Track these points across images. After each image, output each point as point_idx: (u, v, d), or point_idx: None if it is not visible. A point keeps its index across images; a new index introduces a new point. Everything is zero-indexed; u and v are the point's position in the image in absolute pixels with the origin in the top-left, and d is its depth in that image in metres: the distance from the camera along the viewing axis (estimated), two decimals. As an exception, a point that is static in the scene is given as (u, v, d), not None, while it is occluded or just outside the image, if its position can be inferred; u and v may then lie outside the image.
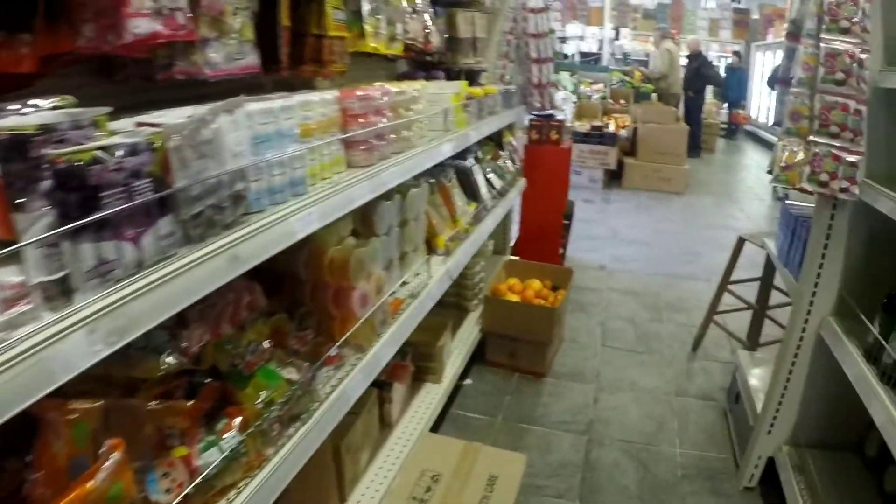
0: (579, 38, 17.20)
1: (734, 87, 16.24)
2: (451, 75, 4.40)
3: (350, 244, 2.49)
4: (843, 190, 2.67)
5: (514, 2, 4.69)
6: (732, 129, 17.15)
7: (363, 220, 2.63)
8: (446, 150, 2.99)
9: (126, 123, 1.46)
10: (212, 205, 1.51)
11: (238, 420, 1.78)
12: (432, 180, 3.47)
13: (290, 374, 2.02)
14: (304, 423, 1.98)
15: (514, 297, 4.43)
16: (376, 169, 2.26)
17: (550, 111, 5.11)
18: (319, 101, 2.02)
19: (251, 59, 2.03)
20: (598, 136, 9.96)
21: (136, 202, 1.22)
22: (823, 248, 2.87)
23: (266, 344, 2.00)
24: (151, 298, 1.25)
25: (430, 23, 3.39)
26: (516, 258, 5.40)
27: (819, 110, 2.69)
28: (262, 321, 2.07)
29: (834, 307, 2.93)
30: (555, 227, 5.67)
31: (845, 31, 2.63)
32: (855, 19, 2.64)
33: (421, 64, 4.31)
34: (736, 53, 16.84)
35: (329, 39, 2.34)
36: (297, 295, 2.47)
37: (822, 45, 2.66)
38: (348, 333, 2.35)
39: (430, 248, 3.37)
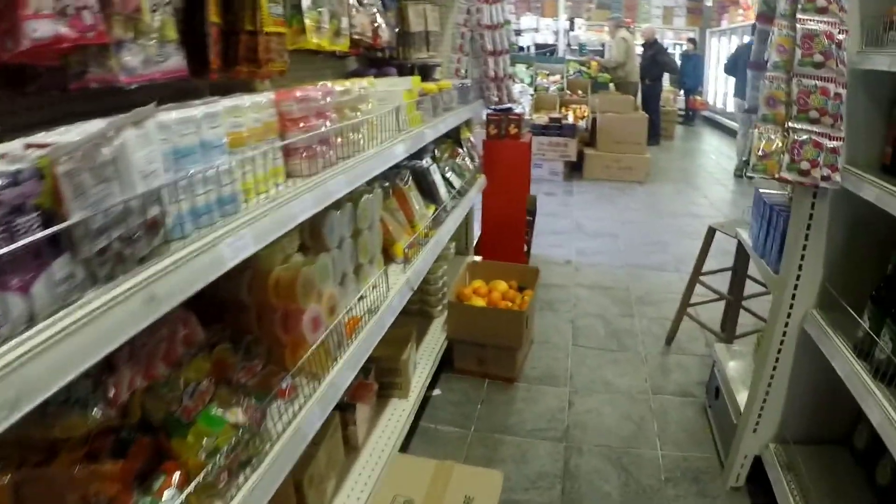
0: (534, 30, 17.06)
1: (690, 74, 16.27)
2: (404, 71, 4.17)
3: (298, 262, 2.25)
4: (824, 178, 2.52)
5: None
6: (690, 116, 17.21)
7: (312, 234, 2.40)
8: (400, 151, 2.76)
9: (15, 146, 1.22)
10: (120, 237, 1.27)
11: (177, 475, 1.57)
12: (386, 184, 3.25)
13: (236, 416, 1.79)
14: (257, 467, 1.76)
15: (480, 301, 4.22)
16: (321, 178, 2.02)
17: (509, 105, 4.89)
18: (252, 106, 1.78)
19: (175, 62, 1.79)
20: (556, 128, 9.81)
21: (20, 243, 1.02)
22: (804, 238, 2.71)
23: (206, 383, 1.78)
24: (49, 358, 1.02)
25: (378, 16, 3.15)
26: (479, 259, 5.19)
27: (797, 95, 2.53)
28: (201, 356, 1.86)
29: (817, 300, 2.78)
30: (518, 223, 5.47)
31: (822, 11, 2.47)
32: (833, -4, 2.49)
33: (372, 61, 4.08)
34: (691, 41, 16.85)
35: (265, 36, 2.09)
36: (242, 321, 2.23)
37: (798, 25, 2.50)
38: (301, 362, 2.12)
39: (388, 257, 3.15)
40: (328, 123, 2.10)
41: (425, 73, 4.48)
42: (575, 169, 10.34)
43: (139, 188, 1.31)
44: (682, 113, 16.78)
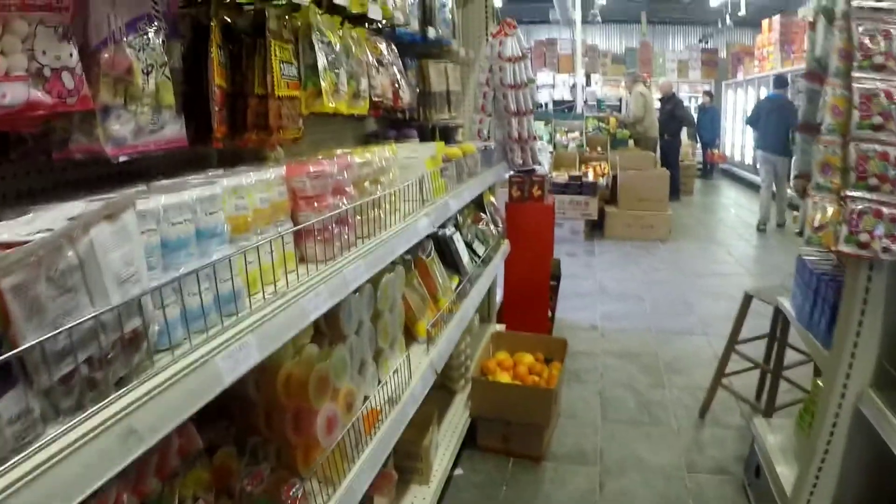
0: (550, 85, 17.01)
1: (707, 127, 16.09)
2: (425, 133, 3.96)
3: (311, 354, 1.98)
4: (885, 250, 2.26)
5: (490, 51, 4.25)
6: (708, 169, 16.98)
7: (328, 319, 2.13)
8: (424, 226, 2.50)
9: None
10: (90, 359, 1.03)
11: None
12: (408, 257, 2.98)
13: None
14: None
15: (505, 376, 3.92)
16: (338, 264, 1.77)
17: (532, 166, 4.66)
18: (257, 184, 1.54)
19: (173, 131, 1.57)
20: (577, 186, 9.57)
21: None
22: (860, 314, 2.43)
23: (205, 498, 1.56)
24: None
25: (399, 77, 2.94)
26: (503, 329, 4.90)
27: (855, 160, 2.28)
28: (200, 465, 1.60)
29: (873, 378, 2.50)
30: (542, 289, 5.18)
31: (880, 68, 2.26)
32: (892, 53, 2.26)
33: (392, 121, 3.87)
34: (707, 93, 16.74)
35: (276, 101, 1.86)
36: (249, 419, 1.96)
37: (853, 85, 2.26)
38: (313, 467, 1.83)
39: (410, 336, 2.88)
40: (345, 201, 1.85)
41: (447, 134, 4.27)
42: (596, 227, 10.07)
43: (114, 297, 1.06)
44: (701, 167, 16.55)
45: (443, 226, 3.56)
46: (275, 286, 1.54)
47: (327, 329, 2.16)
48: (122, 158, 1.39)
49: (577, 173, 10.05)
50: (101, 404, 1.00)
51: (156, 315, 1.20)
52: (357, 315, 2.21)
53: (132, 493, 1.35)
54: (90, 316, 1.01)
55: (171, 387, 1.14)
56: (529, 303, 5.08)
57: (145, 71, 1.43)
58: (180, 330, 1.26)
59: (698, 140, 16.33)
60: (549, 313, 5.39)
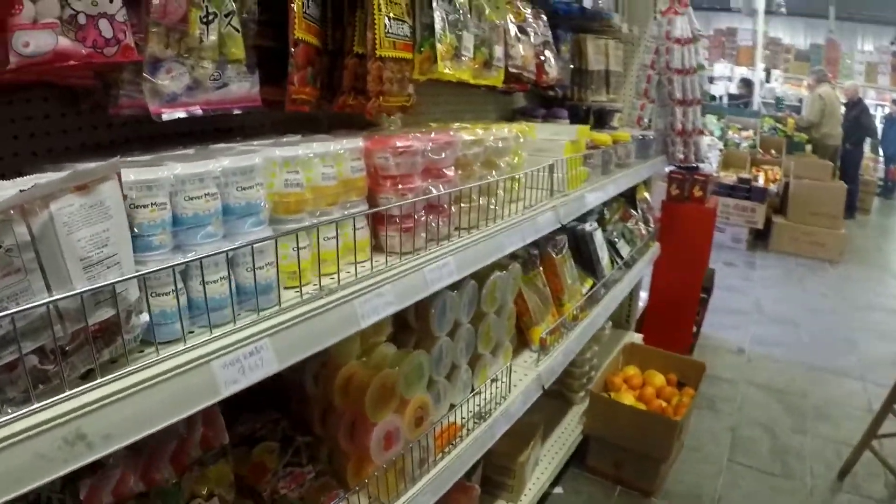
0: (727, 78, 15.57)
1: (892, 140, 14.07)
2: (578, 115, 3.56)
3: (383, 355, 1.73)
4: None
5: (657, 30, 3.73)
6: (889, 188, 14.88)
7: (418, 313, 1.87)
8: (547, 221, 2.15)
9: None
10: (41, 349, 0.85)
11: None
12: (535, 251, 2.65)
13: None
14: None
15: (629, 396, 3.50)
16: (418, 260, 1.47)
17: (695, 163, 4.10)
18: (320, 157, 1.27)
19: (241, 88, 1.34)
20: (745, 190, 8.66)
21: None
22: None
23: (220, 497, 1.38)
24: None
25: (546, 50, 2.58)
26: (639, 339, 4.43)
27: None
28: (224, 460, 1.43)
29: None
30: (690, 301, 4.64)
31: None
32: None
33: (544, 100, 3.51)
34: (896, 102, 14.65)
35: (376, 62, 1.59)
36: (303, 413, 1.75)
37: None
38: (363, 480, 1.59)
39: (522, 342, 2.56)
40: (442, 185, 1.56)
41: (602, 118, 3.84)
42: (760, 237, 9.10)
43: (78, 282, 0.83)
44: (881, 183, 14.55)
45: (582, 219, 3.18)
46: (338, 279, 1.27)
47: (416, 325, 1.90)
48: (165, 117, 1.18)
49: (746, 176, 9.09)
50: (48, 401, 0.85)
51: (153, 304, 0.98)
52: (453, 315, 1.92)
53: (140, 477, 1.25)
54: (33, 305, 0.80)
55: (145, 390, 0.92)
56: (674, 314, 4.57)
57: (204, 20, 1.22)
58: (183, 324, 1.03)
59: (881, 153, 14.33)
60: (694, 328, 4.83)
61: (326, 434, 1.72)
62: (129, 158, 1.12)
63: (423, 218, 1.51)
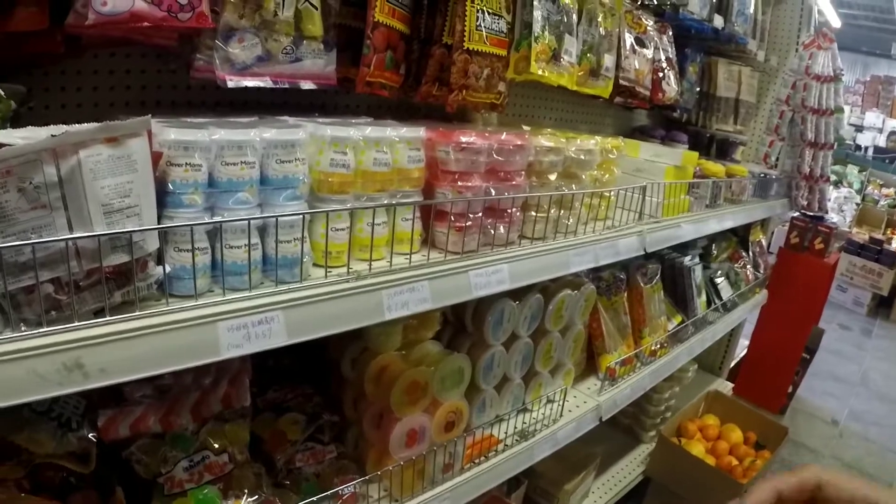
0: (877, 129, 14.41)
1: None
2: (700, 142, 3.42)
3: (423, 352, 1.73)
4: None
5: (797, 63, 3.49)
6: None
7: (475, 317, 1.86)
8: (628, 245, 2.07)
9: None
10: (57, 280, 0.92)
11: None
12: (622, 276, 2.57)
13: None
14: None
15: (701, 446, 3.34)
16: (466, 263, 1.47)
17: (820, 213, 3.81)
18: (372, 141, 1.29)
19: (315, 65, 1.38)
20: (875, 251, 8.00)
21: None
22: None
23: (226, 457, 1.42)
24: None
25: (666, 66, 2.49)
26: (728, 388, 4.21)
27: None
28: (243, 421, 1.50)
29: None
30: (791, 358, 4.35)
31: None
32: None
33: (668, 121, 3.40)
34: None
35: (463, 54, 1.59)
36: (338, 394, 1.79)
37: None
38: (381, 471, 1.61)
39: (591, 366, 2.50)
40: (505, 189, 1.54)
41: (724, 149, 3.67)
42: (883, 304, 8.37)
43: (98, 226, 0.89)
44: None
45: (683, 252, 3.06)
46: (369, 265, 1.29)
47: (472, 330, 1.89)
48: (231, 84, 1.24)
49: (879, 236, 8.44)
50: (56, 328, 0.92)
51: (174, 258, 1.04)
52: (511, 325, 1.91)
53: (160, 420, 1.34)
54: (52, 239, 0.88)
55: (148, 336, 0.99)
56: (771, 369, 4.31)
57: None
58: (204, 281, 1.08)
59: None
60: (791, 388, 4.54)
61: (356, 419, 1.75)
62: (186, 119, 1.17)
63: (479, 219, 1.50)
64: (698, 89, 3.12)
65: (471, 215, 1.48)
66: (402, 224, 1.38)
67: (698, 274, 3.11)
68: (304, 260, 1.17)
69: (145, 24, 1.08)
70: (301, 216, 1.13)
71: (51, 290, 0.92)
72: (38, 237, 0.88)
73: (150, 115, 0.94)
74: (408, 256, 1.37)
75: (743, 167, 3.14)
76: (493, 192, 1.51)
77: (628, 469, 3.33)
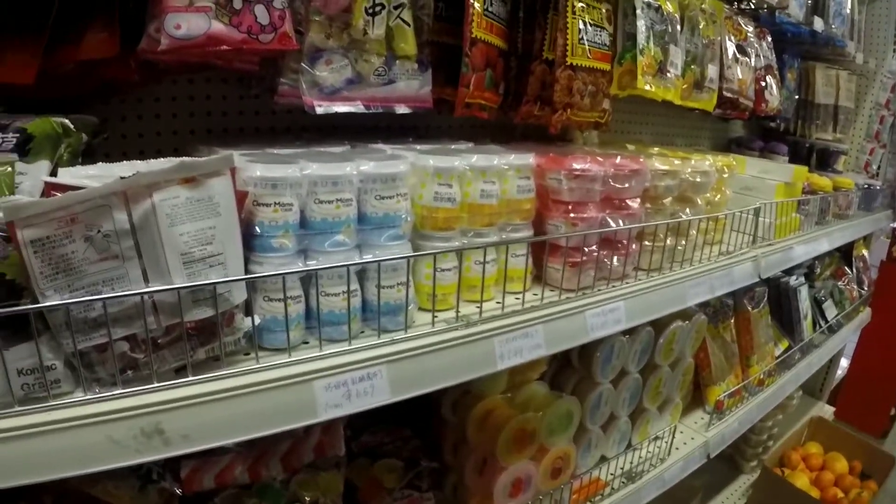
0: None
1: None
2: (799, 153, 3.10)
3: (530, 394, 1.53)
4: None
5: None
6: None
7: (581, 352, 1.65)
8: (743, 273, 1.82)
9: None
10: (133, 337, 0.78)
11: None
12: (729, 301, 2.31)
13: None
14: None
15: (805, 477, 3.01)
16: (581, 302, 1.26)
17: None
18: (479, 170, 1.10)
19: (409, 87, 1.21)
20: None
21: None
22: None
23: None
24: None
25: (767, 73, 2.22)
26: (830, 412, 3.82)
27: None
28: (337, 470, 1.34)
29: None
30: (894, 377, 3.92)
31: None
32: None
33: (764, 131, 3.10)
34: None
35: (566, 70, 1.39)
36: (437, 439, 1.59)
37: None
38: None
39: (696, 398, 2.23)
40: (621, 219, 1.32)
41: (825, 159, 3.33)
42: None
43: (177, 278, 0.73)
44: None
45: (787, 271, 2.74)
46: (480, 310, 1.09)
47: (578, 366, 1.68)
48: (320, 110, 1.08)
49: None
50: (133, 389, 0.79)
51: (264, 308, 0.87)
52: (620, 362, 1.70)
53: (247, 469, 1.21)
54: (124, 294, 0.73)
55: (236, 398, 0.83)
56: (874, 391, 3.92)
57: (370, 11, 1.11)
58: (298, 333, 0.91)
59: None
60: (893, 411, 4.09)
61: (456, 465, 1.55)
62: (271, 150, 1.01)
63: (595, 253, 1.29)
64: (796, 97, 2.81)
65: (586, 249, 1.26)
66: (514, 261, 1.18)
67: (804, 295, 2.80)
68: (409, 307, 0.98)
69: (223, 47, 0.96)
70: (406, 259, 0.94)
71: (126, 348, 0.79)
72: (109, 291, 0.74)
73: (232, 152, 0.77)
74: (519, 297, 1.17)
75: (848, 178, 2.81)
76: (610, 221, 1.29)
77: (729, 502, 3.01)
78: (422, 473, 1.51)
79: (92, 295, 0.73)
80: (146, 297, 0.74)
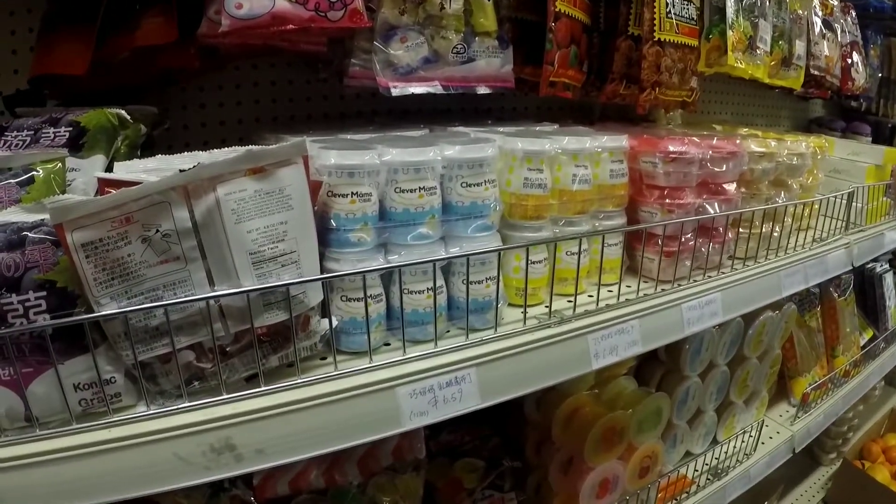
0: None
1: None
2: (882, 133, 2.81)
3: (619, 390, 1.37)
4: None
5: None
6: None
7: (669, 345, 1.47)
8: (837, 261, 1.62)
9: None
10: (199, 345, 0.67)
11: None
12: (815, 289, 2.08)
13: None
14: None
15: (885, 471, 2.73)
16: (674, 294, 1.08)
17: None
18: (575, 153, 0.94)
19: (491, 65, 1.05)
20: None
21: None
22: None
23: None
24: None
25: (853, 50, 1.97)
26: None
27: None
28: (417, 473, 1.21)
29: None
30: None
31: None
32: None
33: (844, 111, 2.83)
34: None
35: (654, 46, 1.22)
36: (520, 438, 1.45)
37: None
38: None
39: (780, 390, 2.02)
40: (717, 204, 1.14)
41: (909, 139, 3.02)
42: None
43: (245, 279, 0.60)
44: None
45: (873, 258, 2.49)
46: (574, 304, 0.93)
47: (666, 359, 1.51)
48: (396, 92, 0.94)
49: None
50: (200, 402, 0.68)
51: (342, 310, 0.74)
52: (709, 355, 1.52)
53: (322, 474, 1.09)
54: (188, 299, 0.62)
55: (312, 409, 0.71)
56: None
57: None
58: (379, 334, 0.78)
59: None
60: None
61: (539, 463, 1.41)
62: (345, 136, 0.88)
63: (691, 241, 1.11)
64: (879, 75, 2.53)
65: (682, 237, 1.09)
66: (608, 251, 1.03)
67: (889, 282, 2.54)
68: (499, 304, 0.83)
69: (289, 26, 0.83)
70: (496, 252, 0.79)
71: (191, 357, 0.68)
72: (171, 296, 0.63)
73: (305, 138, 0.64)
74: (612, 289, 1.01)
75: (936, 159, 2.51)
76: (708, 208, 1.11)
77: (807, 496, 2.77)
78: (504, 473, 1.38)
79: (152, 301, 0.62)
80: (212, 301, 0.62)
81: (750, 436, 1.74)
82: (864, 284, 2.44)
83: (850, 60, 2.06)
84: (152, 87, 1.02)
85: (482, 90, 1.06)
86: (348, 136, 0.92)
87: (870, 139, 2.63)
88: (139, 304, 0.60)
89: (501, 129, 1.06)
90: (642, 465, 1.38)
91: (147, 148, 0.83)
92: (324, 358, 0.76)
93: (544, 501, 1.41)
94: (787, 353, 2.00)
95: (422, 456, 1.19)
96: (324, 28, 0.86)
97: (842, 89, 2.05)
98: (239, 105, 1.19)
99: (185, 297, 0.62)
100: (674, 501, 1.52)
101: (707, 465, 1.63)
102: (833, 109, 2.93)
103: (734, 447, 1.70)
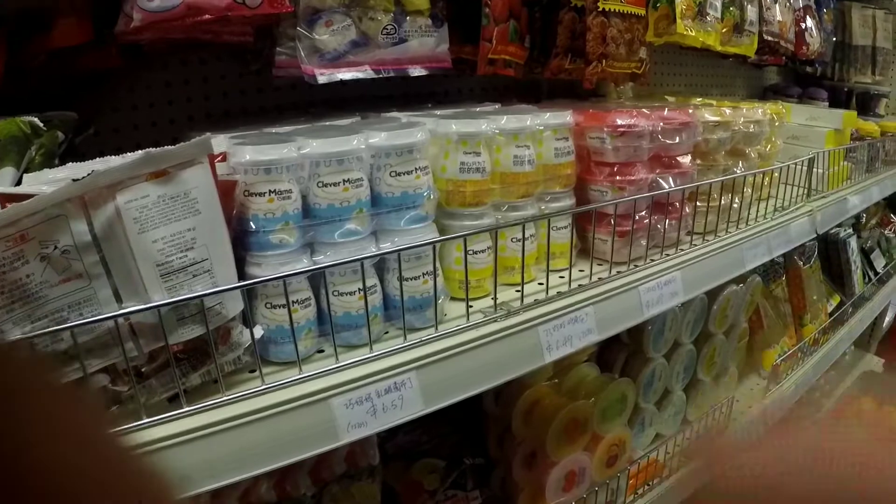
0: None
1: None
2: (838, 98, 2.86)
3: (581, 377, 1.36)
4: None
5: None
6: None
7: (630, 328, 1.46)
8: (800, 230, 1.62)
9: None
10: (112, 367, 0.64)
11: None
12: (779, 259, 2.10)
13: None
14: None
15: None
16: (630, 276, 1.07)
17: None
18: (515, 132, 0.91)
19: (424, 46, 1.02)
20: None
21: None
22: None
23: None
24: None
25: (806, 15, 1.99)
26: (879, 364, 3.58)
27: None
28: (371, 478, 1.17)
29: None
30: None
31: None
32: None
33: (799, 77, 2.86)
34: None
35: (599, 16, 1.20)
36: (480, 432, 1.43)
37: None
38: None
39: (749, 364, 2.04)
40: (672, 178, 1.13)
41: (865, 104, 3.07)
42: None
43: (154, 293, 0.56)
44: None
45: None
46: (521, 295, 0.91)
47: (628, 340, 1.50)
48: (323, 79, 0.90)
49: None
50: (118, 427, 0.62)
51: (266, 318, 0.70)
52: (673, 334, 1.52)
53: (273, 486, 1.05)
54: (91, 320, 0.57)
55: (239, 427, 0.67)
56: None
57: None
58: (309, 342, 0.75)
59: None
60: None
61: (502, 458, 1.39)
62: (269, 130, 0.84)
63: (646, 219, 1.10)
64: (833, 39, 2.56)
65: (635, 215, 1.08)
66: (557, 235, 1.00)
67: (853, 246, 2.59)
68: (440, 300, 0.81)
69: (206, 17, 0.79)
70: (431, 244, 0.76)
71: (106, 381, 0.62)
72: (77, 317, 0.58)
73: (209, 134, 0.60)
74: (563, 275, 0.99)
75: (893, 122, 2.56)
76: (662, 182, 1.10)
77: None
78: (466, 471, 1.35)
79: (57, 324, 0.57)
80: (121, 320, 0.58)
81: (721, 413, 1.76)
82: (829, 251, 2.48)
83: (803, 25, 2.08)
84: (81, 92, 0.97)
85: (417, 72, 1.02)
86: (273, 130, 0.88)
87: (827, 104, 2.67)
88: (43, 328, 0.56)
89: (439, 112, 1.03)
90: (609, 454, 1.37)
91: (69, 155, 0.78)
92: (253, 371, 0.73)
93: (510, 497, 1.40)
94: (754, 325, 2.02)
95: (376, 462, 1.17)
96: (244, 16, 0.82)
97: (796, 54, 2.06)
98: (171, 104, 1.14)
99: (92, 316, 0.58)
100: (647, 486, 1.53)
101: (678, 446, 1.64)
102: (788, 76, 2.95)
103: (706, 426, 1.71)
